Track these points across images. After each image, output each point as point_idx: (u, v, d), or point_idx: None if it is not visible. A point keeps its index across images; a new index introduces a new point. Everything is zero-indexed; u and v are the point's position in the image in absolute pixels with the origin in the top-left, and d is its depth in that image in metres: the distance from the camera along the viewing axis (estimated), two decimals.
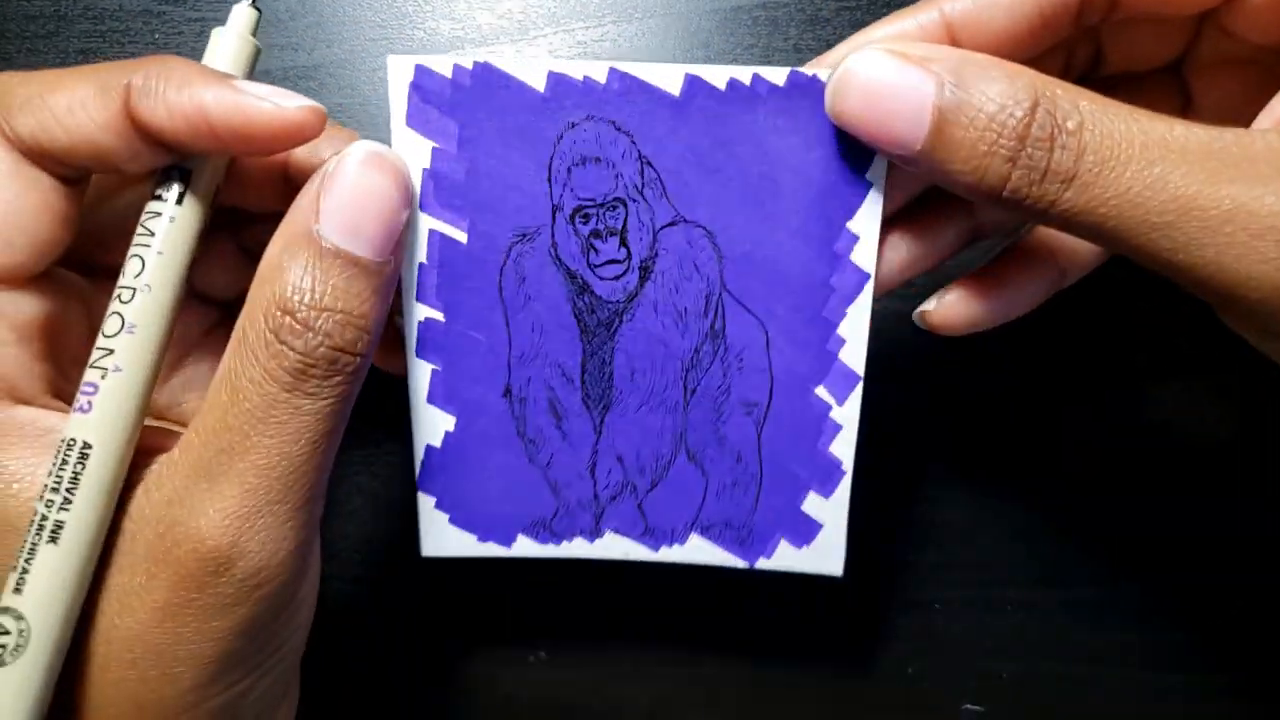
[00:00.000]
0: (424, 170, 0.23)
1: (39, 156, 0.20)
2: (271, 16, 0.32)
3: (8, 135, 0.20)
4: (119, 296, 0.21)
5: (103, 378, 0.20)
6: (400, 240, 0.22)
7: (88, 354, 0.21)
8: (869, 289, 0.24)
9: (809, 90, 0.22)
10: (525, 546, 0.27)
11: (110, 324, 0.20)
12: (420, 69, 0.22)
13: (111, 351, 0.20)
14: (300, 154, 0.23)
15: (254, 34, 0.22)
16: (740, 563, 0.27)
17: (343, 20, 0.32)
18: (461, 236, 0.24)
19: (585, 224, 0.24)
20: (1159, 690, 0.33)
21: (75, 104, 0.20)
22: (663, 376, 0.25)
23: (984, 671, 0.33)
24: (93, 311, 0.23)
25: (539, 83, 0.22)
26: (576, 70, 0.22)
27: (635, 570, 0.33)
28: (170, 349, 0.23)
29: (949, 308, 0.26)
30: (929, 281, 0.27)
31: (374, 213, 0.21)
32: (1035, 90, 0.19)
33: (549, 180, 0.23)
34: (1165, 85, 0.25)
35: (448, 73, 0.22)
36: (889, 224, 0.24)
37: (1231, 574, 0.32)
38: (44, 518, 0.20)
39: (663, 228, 0.24)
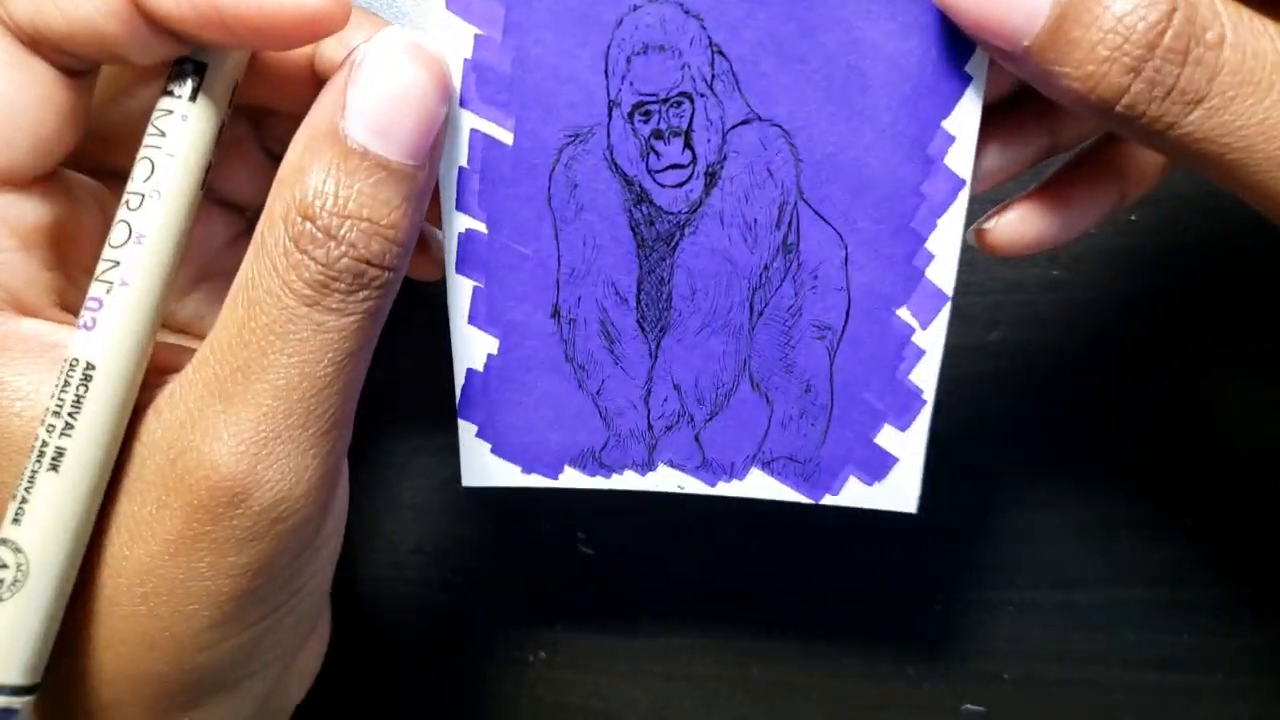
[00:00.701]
0: (465, 61, 0.20)
1: (37, 43, 0.18)
2: None
3: (3, 19, 0.18)
4: (126, 203, 0.18)
5: (108, 292, 0.18)
6: (437, 142, 0.19)
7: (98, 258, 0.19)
8: (964, 197, 0.21)
9: None
10: (572, 478, 0.25)
11: (117, 233, 0.18)
12: None
13: (118, 264, 0.18)
14: (329, 46, 0.20)
15: None
16: (804, 499, 0.25)
17: None
18: (507, 137, 0.21)
19: (646, 123, 0.21)
20: (1160, 691, 0.33)
21: None
22: (727, 297, 0.23)
23: (985, 672, 0.33)
24: (108, 218, 0.21)
25: None
26: None
27: (635, 571, 0.32)
28: (191, 260, 0.21)
29: (1011, 226, 0.24)
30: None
31: (407, 110, 0.18)
32: None
33: (605, 72, 0.20)
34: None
35: None
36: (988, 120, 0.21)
37: (1232, 574, 0.32)
38: (44, 444, 0.18)
39: (733, 127, 0.21)
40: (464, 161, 0.21)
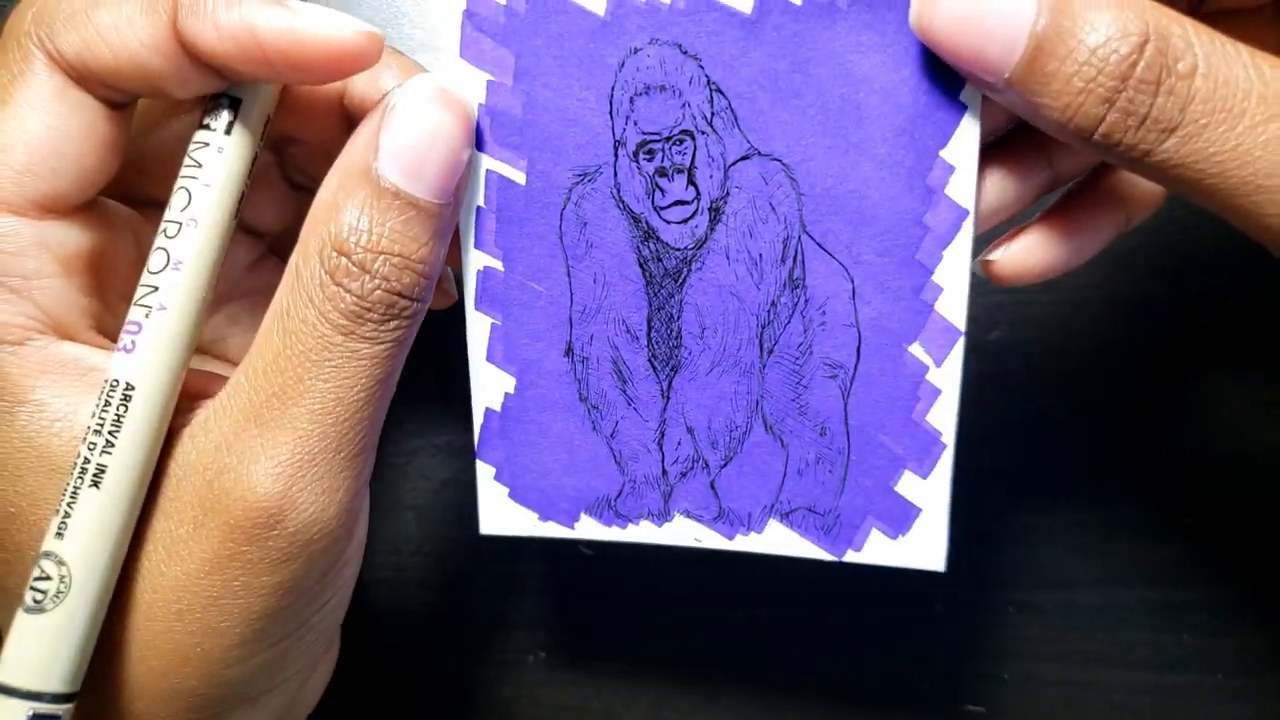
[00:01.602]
0: (479, 106, 0.22)
1: (84, 78, 0.20)
2: None
3: (52, 55, 0.19)
4: (164, 231, 0.20)
5: (147, 316, 0.20)
6: (461, 183, 0.21)
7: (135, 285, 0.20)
8: (969, 227, 0.21)
9: (896, 3, 0.20)
10: (589, 528, 0.25)
11: (155, 260, 0.20)
12: None
13: (156, 289, 0.20)
14: (359, 83, 0.22)
15: None
16: (827, 555, 0.24)
17: None
18: (520, 177, 0.22)
19: (650, 161, 0.22)
20: (1160, 691, 0.33)
21: (121, 21, 0.19)
22: (736, 334, 0.23)
23: (985, 673, 0.33)
24: (142, 245, 0.23)
25: (599, 5, 0.21)
26: None
27: (635, 570, 0.32)
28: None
29: (1017, 256, 0.24)
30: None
31: (437, 153, 0.20)
32: (1146, 23, 0.17)
33: (610, 112, 0.22)
34: (1273, 23, 0.22)
35: (502, 0, 0.21)
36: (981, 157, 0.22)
37: (1231, 574, 0.32)
38: (86, 461, 0.19)
39: (735, 163, 0.22)
40: (481, 201, 0.23)
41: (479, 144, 0.22)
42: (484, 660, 0.34)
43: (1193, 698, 0.33)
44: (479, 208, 0.23)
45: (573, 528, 0.25)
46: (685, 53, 0.21)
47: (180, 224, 0.20)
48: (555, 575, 0.33)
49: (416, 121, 0.20)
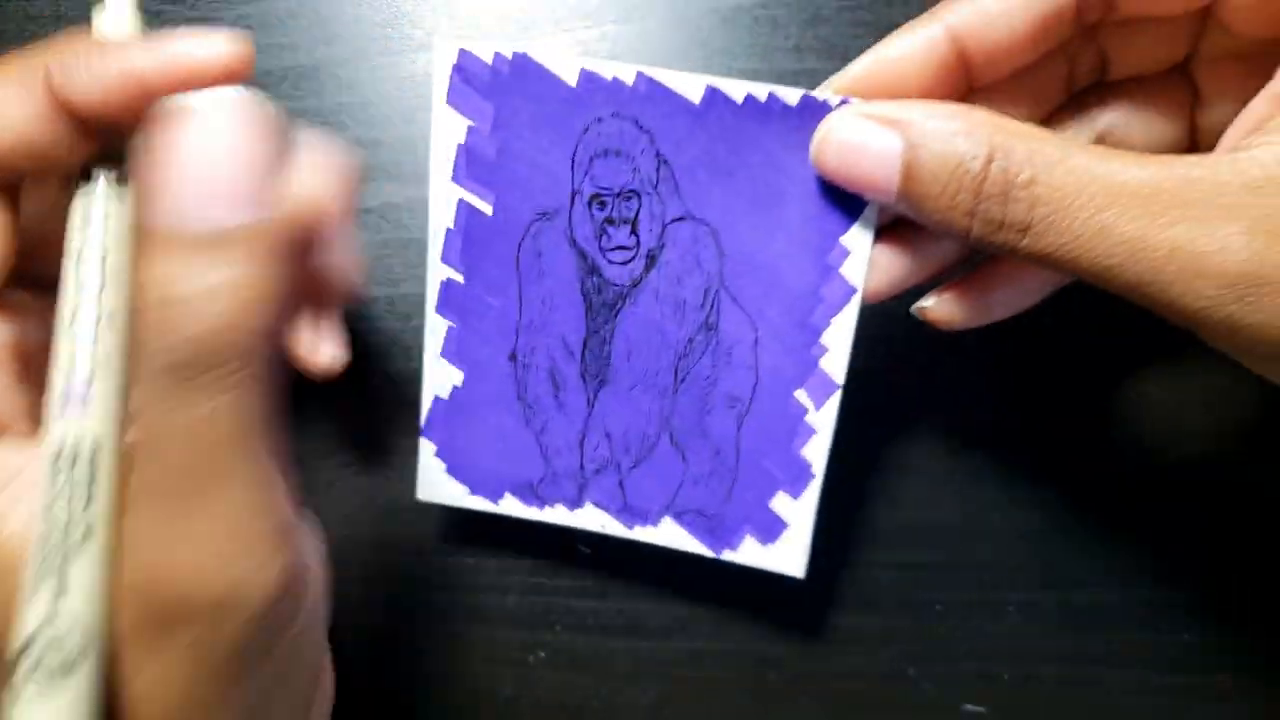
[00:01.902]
0: (458, 145, 0.25)
1: None
2: (272, 16, 0.32)
3: None
4: (82, 286, 0.19)
5: (91, 370, 0.19)
6: (266, 193, 0.17)
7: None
8: (855, 302, 0.25)
9: (818, 112, 0.24)
10: (510, 505, 0.29)
11: (86, 313, 0.19)
12: (463, 53, 0.25)
13: (95, 340, 0.19)
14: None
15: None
16: (708, 552, 0.29)
17: (343, 20, 0.32)
18: (487, 209, 0.26)
19: (601, 210, 0.26)
20: (1159, 691, 0.33)
21: (1, 107, 0.18)
22: (656, 361, 0.27)
23: (984, 672, 0.33)
24: (48, 325, 0.21)
25: (571, 78, 0.24)
26: (607, 70, 0.24)
27: (635, 570, 0.34)
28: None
29: (944, 305, 0.27)
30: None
31: (213, 171, 0.17)
32: (991, 145, 0.20)
33: (572, 167, 0.25)
34: (1174, 85, 0.25)
35: (488, 59, 0.25)
36: (889, 235, 0.25)
37: (1231, 574, 0.33)
38: (69, 523, 0.18)
39: (671, 221, 0.26)
40: (450, 224, 0.26)
41: (455, 176, 0.26)
42: (485, 659, 0.34)
43: (1193, 698, 0.33)
44: (448, 229, 0.26)
45: (496, 504, 0.29)
46: (640, 127, 0.25)
47: (102, 282, 0.19)
48: (556, 575, 0.34)
49: (190, 151, 0.17)
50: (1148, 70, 0.25)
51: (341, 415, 0.33)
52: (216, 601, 0.18)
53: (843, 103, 0.23)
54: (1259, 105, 0.21)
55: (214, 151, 0.17)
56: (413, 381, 0.31)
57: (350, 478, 0.34)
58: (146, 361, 0.17)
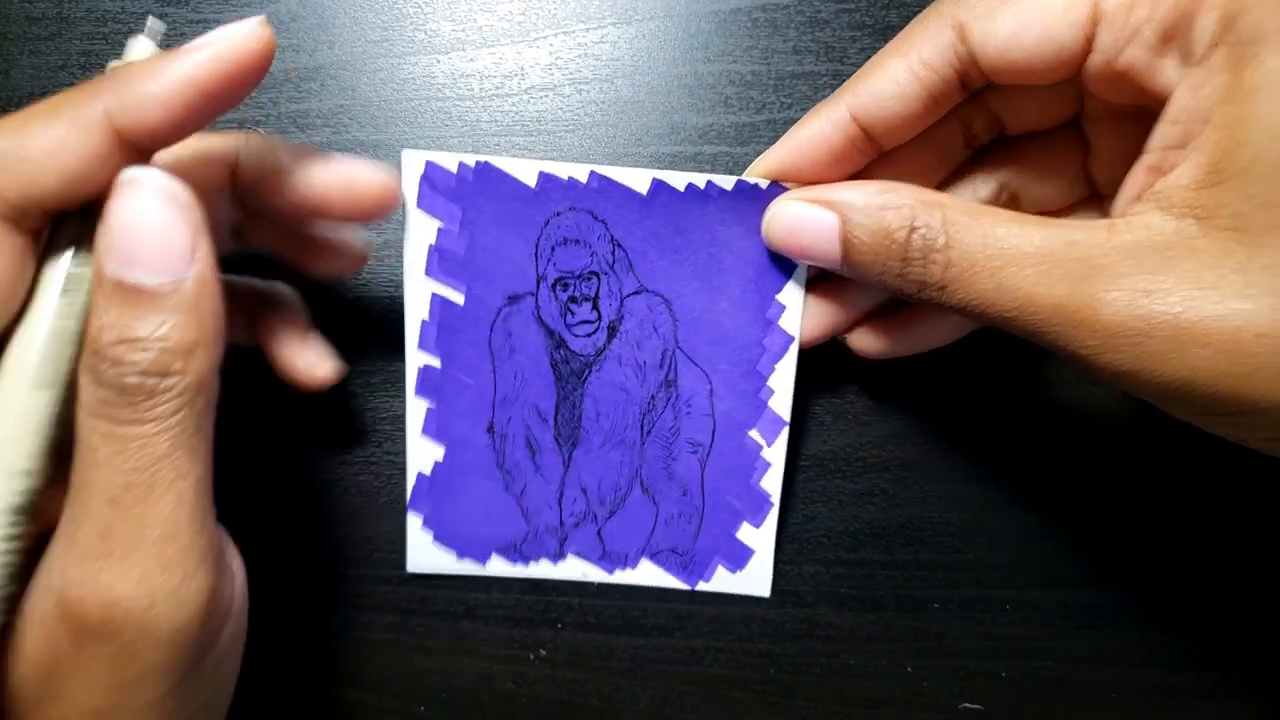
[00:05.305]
0: (429, 245, 0.28)
1: (22, 216, 0.20)
2: (273, 18, 0.32)
3: None
4: (57, 338, 0.21)
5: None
6: (194, 253, 0.21)
7: None
8: (794, 349, 0.29)
9: (751, 194, 0.27)
10: (497, 566, 0.32)
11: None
12: (430, 164, 0.27)
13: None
14: (249, 167, 0.25)
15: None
16: (683, 585, 0.32)
17: (344, 22, 0.32)
18: (459, 299, 0.28)
19: (564, 291, 0.29)
20: (1158, 690, 0.33)
21: (55, 145, 0.20)
22: (624, 419, 0.30)
23: (983, 671, 0.34)
24: None
25: (530, 179, 0.27)
26: (563, 171, 0.27)
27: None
28: None
29: (860, 339, 0.30)
30: None
31: (147, 238, 0.20)
32: (913, 215, 0.24)
33: (535, 256, 0.28)
34: (1068, 139, 0.28)
35: (453, 168, 0.27)
36: (817, 289, 0.29)
37: (1231, 574, 0.33)
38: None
39: (628, 295, 0.29)
40: (425, 316, 0.28)
41: (428, 272, 0.28)
42: (486, 657, 0.34)
43: (1192, 697, 0.33)
44: (423, 320, 0.28)
45: (484, 565, 0.32)
46: (595, 217, 0.28)
47: (63, 328, 0.21)
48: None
49: (120, 214, 0.20)
50: (1041, 126, 0.28)
51: (339, 410, 0.34)
52: (137, 619, 0.20)
53: (772, 185, 0.27)
54: (1136, 177, 0.24)
55: (136, 223, 0.20)
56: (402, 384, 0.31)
57: (350, 476, 0.34)
58: (91, 389, 0.20)
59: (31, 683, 0.20)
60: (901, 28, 0.25)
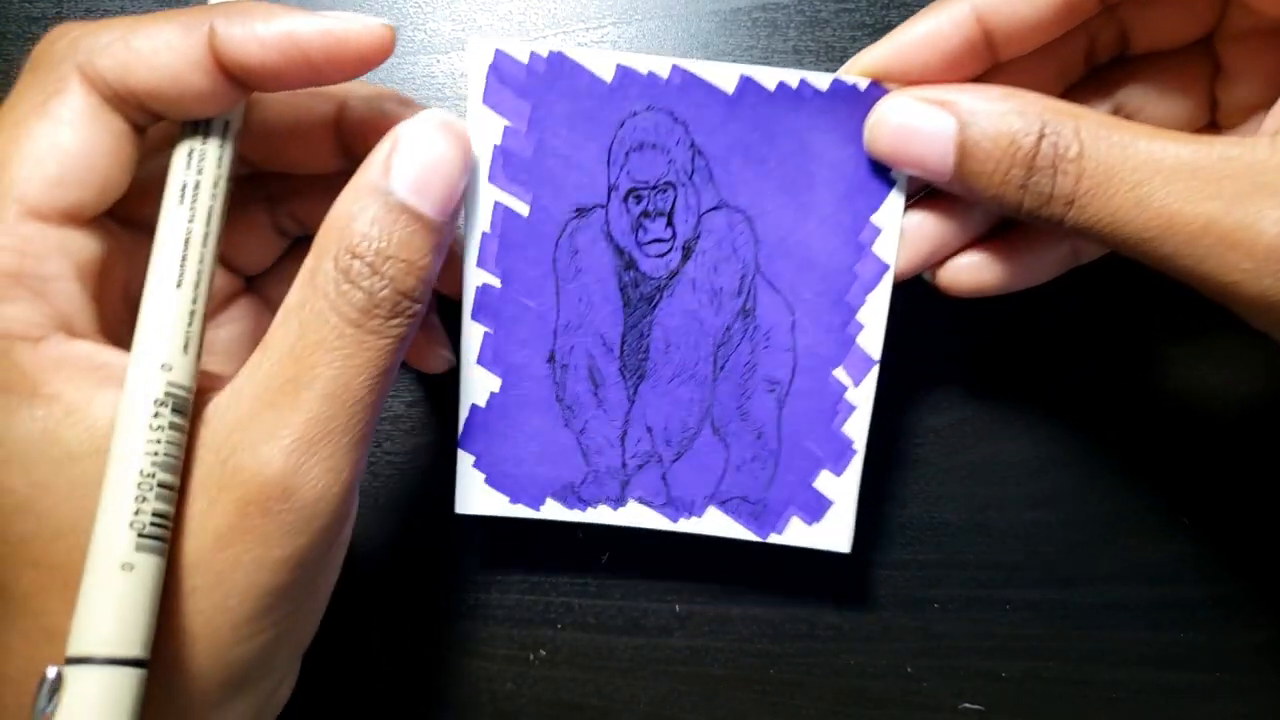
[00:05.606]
0: (494, 146, 0.25)
1: (119, 99, 0.21)
2: None
3: (90, 76, 0.21)
4: (187, 239, 0.22)
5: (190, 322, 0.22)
6: (459, 206, 0.24)
7: (121, 300, 0.23)
8: (888, 279, 0.26)
9: (848, 96, 0.25)
10: (553, 510, 0.29)
11: (172, 258, 0.22)
12: (499, 53, 0.25)
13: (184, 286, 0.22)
14: (357, 111, 0.25)
15: None
16: (754, 536, 0.29)
17: None
18: (524, 209, 0.26)
19: (637, 204, 0.26)
20: (1158, 690, 0.34)
21: (160, 45, 0.21)
22: (695, 351, 0.27)
23: (983, 671, 0.34)
24: (130, 260, 0.24)
25: (607, 74, 0.25)
26: (642, 64, 0.25)
27: (636, 570, 0.34)
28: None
29: (963, 271, 0.27)
30: None
31: (440, 176, 0.22)
32: (1042, 122, 0.22)
33: (608, 162, 0.26)
34: (1195, 59, 0.26)
35: (524, 59, 0.25)
36: (915, 212, 0.26)
37: (1232, 572, 0.33)
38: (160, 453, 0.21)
39: (707, 211, 0.26)
40: (486, 228, 0.26)
41: (491, 178, 0.26)
42: (486, 657, 0.34)
43: (1192, 697, 0.33)
44: (484, 233, 0.26)
45: (538, 510, 0.29)
46: (675, 119, 0.25)
47: (208, 231, 0.22)
48: (556, 574, 0.34)
49: (424, 149, 0.22)
50: (1169, 45, 0.26)
51: None
52: (311, 502, 0.22)
53: (871, 86, 0.24)
54: None
55: (434, 163, 0.22)
56: (410, 386, 0.30)
57: None
58: (340, 287, 0.21)
59: (208, 552, 0.21)
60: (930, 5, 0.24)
